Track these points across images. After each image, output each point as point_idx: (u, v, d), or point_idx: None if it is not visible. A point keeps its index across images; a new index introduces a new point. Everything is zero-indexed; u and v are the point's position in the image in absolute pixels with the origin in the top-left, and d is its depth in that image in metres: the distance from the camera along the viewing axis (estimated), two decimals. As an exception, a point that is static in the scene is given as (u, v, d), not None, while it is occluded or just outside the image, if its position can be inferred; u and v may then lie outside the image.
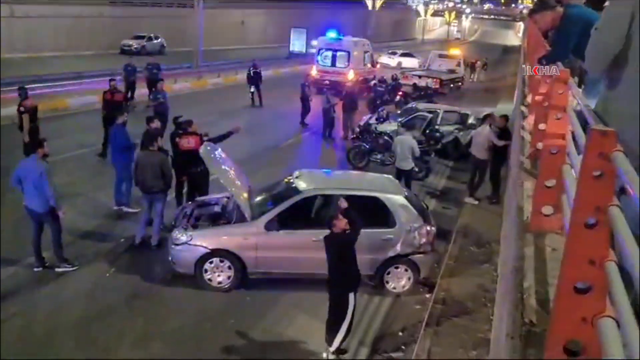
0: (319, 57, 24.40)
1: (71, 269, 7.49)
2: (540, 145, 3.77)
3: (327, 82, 22.29)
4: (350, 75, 22.80)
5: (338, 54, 24.16)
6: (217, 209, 8.08)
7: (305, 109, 17.13)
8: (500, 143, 10.29)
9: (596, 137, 1.50)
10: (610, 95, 2.06)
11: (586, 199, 1.49)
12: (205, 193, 8.79)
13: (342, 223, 5.60)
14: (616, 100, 2.00)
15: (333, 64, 24.13)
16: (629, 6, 2.00)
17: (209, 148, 7.91)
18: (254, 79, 20.12)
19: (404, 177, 10.51)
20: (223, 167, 7.88)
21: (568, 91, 2.89)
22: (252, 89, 20.12)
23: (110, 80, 12.80)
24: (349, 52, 24.17)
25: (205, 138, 8.62)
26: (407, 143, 10.58)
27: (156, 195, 8.08)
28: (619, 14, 2.00)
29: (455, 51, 34.69)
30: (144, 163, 8.06)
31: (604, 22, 2.13)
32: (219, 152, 8.12)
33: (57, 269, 7.44)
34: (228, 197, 8.20)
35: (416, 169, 11.74)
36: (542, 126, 3.86)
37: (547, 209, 3.00)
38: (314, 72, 23.40)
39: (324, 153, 14.64)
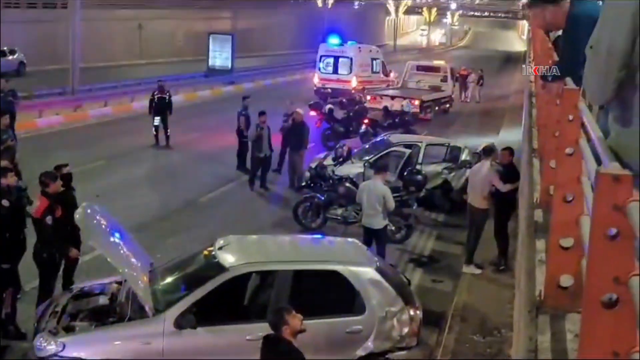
0: (320, 65, 31.87)
1: None
2: (552, 189, 3.94)
3: (329, 90, 29.67)
4: (354, 82, 30.22)
5: (340, 60, 31.37)
6: (102, 300, 7.93)
7: (244, 147, 17.08)
8: (506, 188, 10.57)
9: (607, 184, 1.57)
10: (622, 129, 2.18)
11: (601, 268, 1.55)
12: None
13: (296, 322, 5.36)
14: (630, 135, 2.11)
15: (335, 71, 31.26)
16: (628, 9, 2.12)
17: (89, 211, 7.88)
18: (160, 107, 19.84)
19: (375, 239, 10.63)
20: (111, 238, 7.82)
21: (580, 117, 3.05)
22: (157, 122, 19.90)
23: None
24: (351, 59, 31.14)
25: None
26: (376, 191, 10.74)
27: None
28: (618, 21, 2.11)
29: (440, 62, 36.04)
30: None
31: (601, 35, 2.24)
32: (104, 216, 8.09)
33: None
34: (119, 283, 8.07)
35: (392, 228, 11.84)
36: (553, 163, 4.06)
37: (565, 280, 3.10)
38: (315, 80, 31.20)
39: (262, 210, 14.64)
